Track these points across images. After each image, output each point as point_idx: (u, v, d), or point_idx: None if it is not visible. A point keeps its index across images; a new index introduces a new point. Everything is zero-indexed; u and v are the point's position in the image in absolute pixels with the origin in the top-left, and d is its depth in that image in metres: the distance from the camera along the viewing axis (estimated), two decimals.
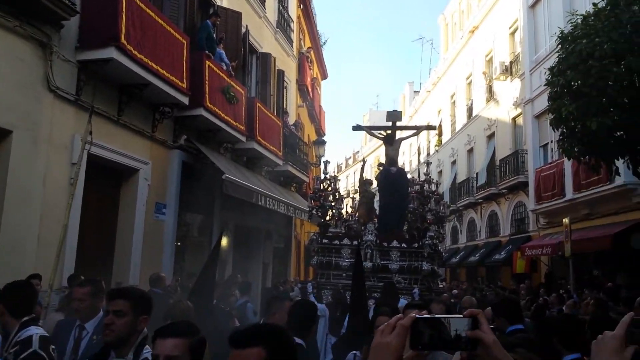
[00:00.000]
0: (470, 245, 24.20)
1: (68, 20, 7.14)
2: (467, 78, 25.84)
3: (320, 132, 23.77)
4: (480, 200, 22.69)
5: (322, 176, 11.11)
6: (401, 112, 11.88)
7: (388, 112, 11.53)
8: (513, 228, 20.19)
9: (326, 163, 12.15)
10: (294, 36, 19.00)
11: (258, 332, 1.80)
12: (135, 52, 7.85)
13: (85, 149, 6.26)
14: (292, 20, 18.72)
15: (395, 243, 9.51)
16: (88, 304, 3.62)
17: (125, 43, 7.58)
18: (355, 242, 9.54)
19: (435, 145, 30.69)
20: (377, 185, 10.88)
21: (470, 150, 24.96)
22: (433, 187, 10.46)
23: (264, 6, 15.24)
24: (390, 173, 10.39)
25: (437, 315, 1.29)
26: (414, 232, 9.93)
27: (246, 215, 13.18)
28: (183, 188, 10.30)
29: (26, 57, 6.73)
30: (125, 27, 7.59)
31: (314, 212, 10.23)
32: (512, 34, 20.78)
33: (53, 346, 3.17)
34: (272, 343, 1.73)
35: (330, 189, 10.63)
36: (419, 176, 11.72)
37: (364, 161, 12.86)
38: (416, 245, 9.49)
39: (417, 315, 1.27)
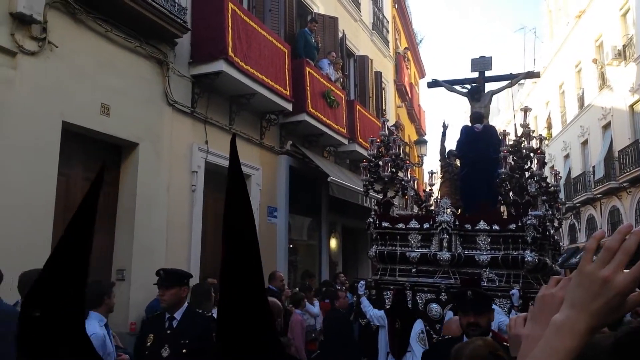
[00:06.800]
0: None
1: (180, 38, 7.68)
2: (576, 66, 24.35)
3: (420, 131, 23.45)
4: (599, 196, 21.21)
5: (378, 139, 7.60)
6: (491, 57, 8.52)
7: (473, 60, 8.58)
8: (639, 224, 18.66)
9: (384, 121, 8.20)
10: (390, 37, 18.96)
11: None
12: (242, 64, 8.24)
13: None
14: (387, 21, 18.70)
15: (482, 224, 6.48)
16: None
17: (233, 55, 7.99)
18: (426, 225, 6.72)
19: (545, 139, 29.15)
20: (457, 150, 7.99)
21: (585, 143, 23.45)
22: (535, 144, 6.97)
23: (359, 9, 15.39)
24: (474, 131, 7.62)
25: None
26: (510, 207, 6.84)
27: (353, 216, 13.31)
28: (291, 192, 10.63)
29: (147, 74, 7.32)
30: (232, 41, 8.01)
31: (369, 188, 7.25)
32: (624, 15, 19.32)
33: None
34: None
35: (388, 155, 7.28)
36: (515, 132, 7.82)
37: (444, 126, 8.74)
38: (514, 226, 6.33)
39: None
